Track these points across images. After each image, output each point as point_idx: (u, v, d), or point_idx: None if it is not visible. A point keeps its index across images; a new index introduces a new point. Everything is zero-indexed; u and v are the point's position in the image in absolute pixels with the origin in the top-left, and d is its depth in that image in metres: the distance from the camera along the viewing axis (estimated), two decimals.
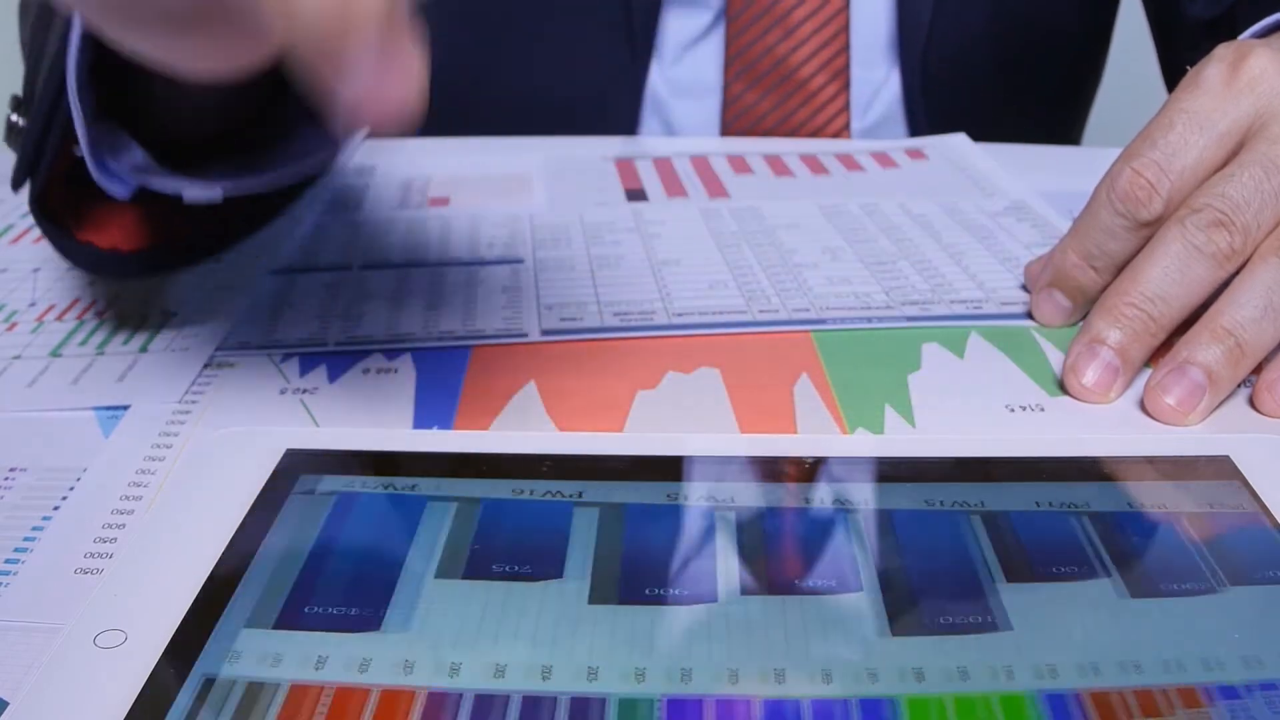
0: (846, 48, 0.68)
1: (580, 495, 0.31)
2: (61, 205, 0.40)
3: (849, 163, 0.61)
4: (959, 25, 0.69)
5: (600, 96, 0.70)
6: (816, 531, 0.30)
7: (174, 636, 0.26)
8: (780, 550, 0.29)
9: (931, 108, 0.69)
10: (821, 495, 0.31)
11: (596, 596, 0.28)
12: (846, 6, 0.67)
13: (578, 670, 0.25)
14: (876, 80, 0.70)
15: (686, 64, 0.70)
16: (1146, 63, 0.76)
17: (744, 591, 0.28)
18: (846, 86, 0.68)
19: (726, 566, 0.29)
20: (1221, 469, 0.32)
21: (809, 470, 0.33)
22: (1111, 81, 0.82)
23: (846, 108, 0.69)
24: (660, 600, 0.27)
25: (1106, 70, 0.81)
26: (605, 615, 0.27)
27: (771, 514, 0.31)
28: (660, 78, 0.70)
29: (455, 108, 0.73)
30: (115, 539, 0.31)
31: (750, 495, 0.32)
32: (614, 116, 0.69)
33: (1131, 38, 0.80)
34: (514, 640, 0.26)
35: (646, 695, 0.25)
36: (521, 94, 0.73)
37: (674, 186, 0.58)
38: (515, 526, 0.30)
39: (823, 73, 0.68)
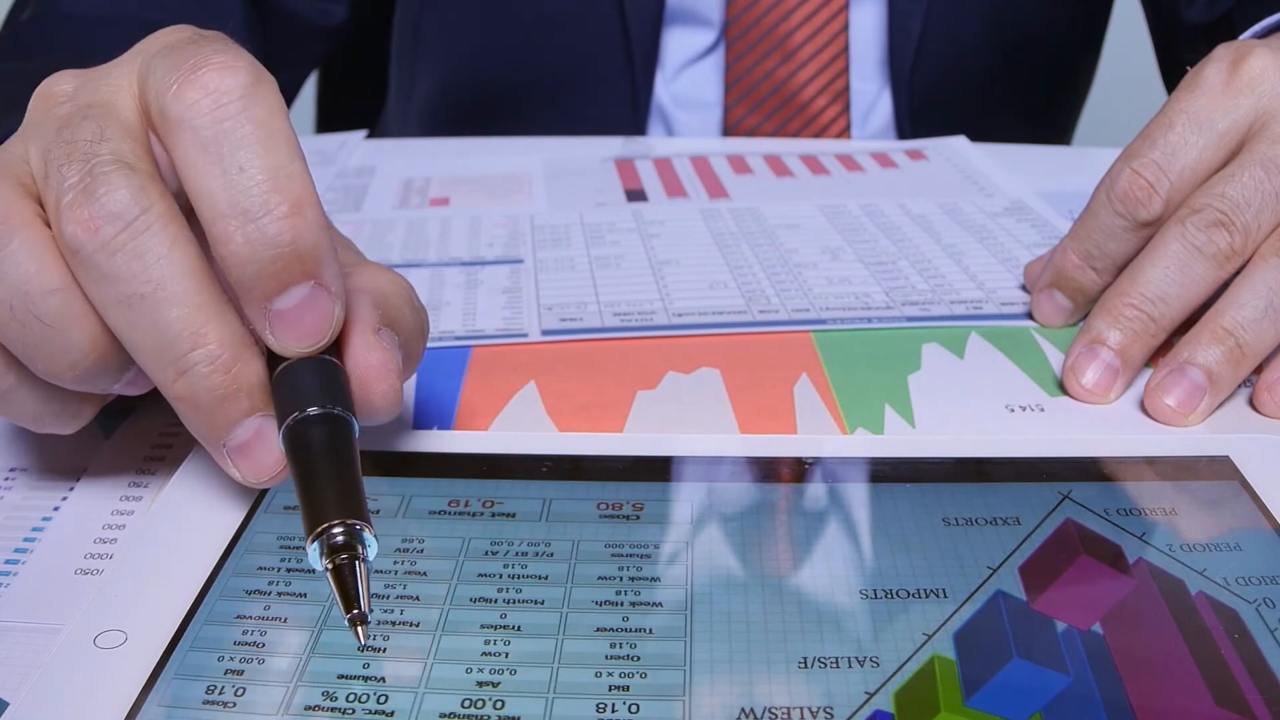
0: (846, 69, 0.68)
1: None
2: None
3: (849, 163, 0.61)
4: (950, 39, 0.69)
5: (606, 108, 0.70)
6: (809, 532, 0.30)
7: (174, 636, 0.26)
8: (762, 549, 0.29)
9: (921, 120, 0.70)
10: (821, 496, 0.31)
11: None
12: (846, 28, 0.67)
13: None
14: (871, 94, 0.70)
15: (685, 81, 0.70)
16: (1136, 63, 0.77)
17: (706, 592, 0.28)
18: (847, 108, 0.68)
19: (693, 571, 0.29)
20: (1221, 469, 0.32)
21: (808, 470, 0.33)
22: (1101, 81, 0.82)
23: (848, 129, 0.69)
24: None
25: (1096, 70, 0.81)
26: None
27: (767, 514, 0.31)
28: (664, 90, 0.71)
29: (461, 116, 0.74)
30: (115, 539, 0.31)
31: (749, 496, 0.32)
32: (619, 128, 0.70)
33: (1121, 37, 0.80)
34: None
35: None
36: (528, 102, 0.73)
37: (674, 186, 0.58)
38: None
39: (824, 94, 0.68)
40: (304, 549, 0.26)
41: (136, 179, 0.28)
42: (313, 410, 0.28)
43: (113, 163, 0.28)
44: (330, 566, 0.25)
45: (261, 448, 0.29)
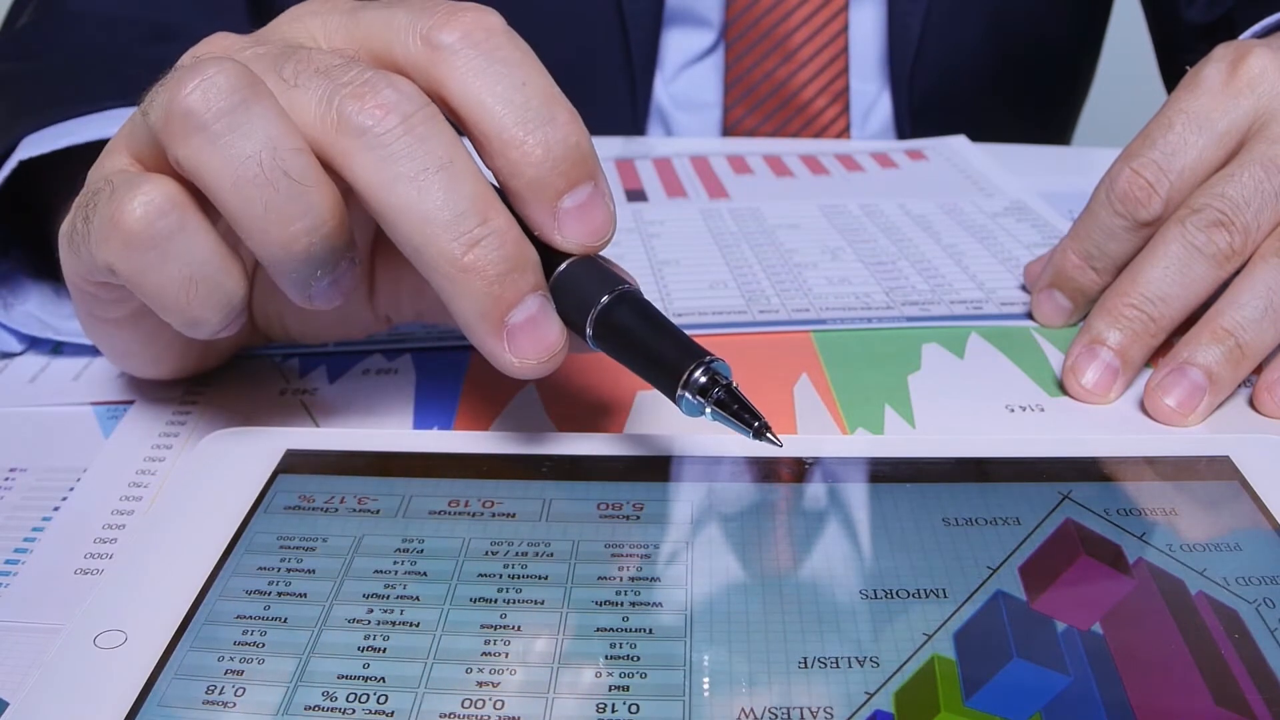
0: (846, 69, 0.68)
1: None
2: None
3: (849, 163, 0.61)
4: (950, 40, 0.69)
5: (605, 109, 0.70)
6: (809, 532, 0.30)
7: (174, 636, 0.26)
8: (767, 550, 0.29)
9: (920, 120, 0.70)
10: (821, 496, 0.31)
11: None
12: (845, 28, 0.67)
13: None
14: (871, 94, 0.70)
15: (684, 82, 0.70)
16: (1136, 63, 0.76)
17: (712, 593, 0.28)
18: (847, 109, 0.68)
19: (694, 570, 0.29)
20: (1221, 469, 0.32)
21: (808, 470, 0.33)
22: (1101, 81, 0.82)
23: (847, 129, 0.69)
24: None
25: (1096, 70, 0.81)
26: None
27: (767, 514, 0.31)
28: (663, 91, 0.71)
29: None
30: (115, 539, 0.31)
31: (749, 496, 0.32)
32: (617, 129, 0.70)
33: (1121, 38, 0.80)
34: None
35: None
36: None
37: (674, 186, 0.58)
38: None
39: (823, 95, 0.68)
40: (302, 548, 0.26)
41: (407, 80, 0.30)
42: (608, 296, 0.30)
43: (376, 70, 0.29)
44: (711, 403, 0.29)
45: (546, 323, 0.30)
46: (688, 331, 0.42)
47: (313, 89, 0.29)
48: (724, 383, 0.30)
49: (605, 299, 0.30)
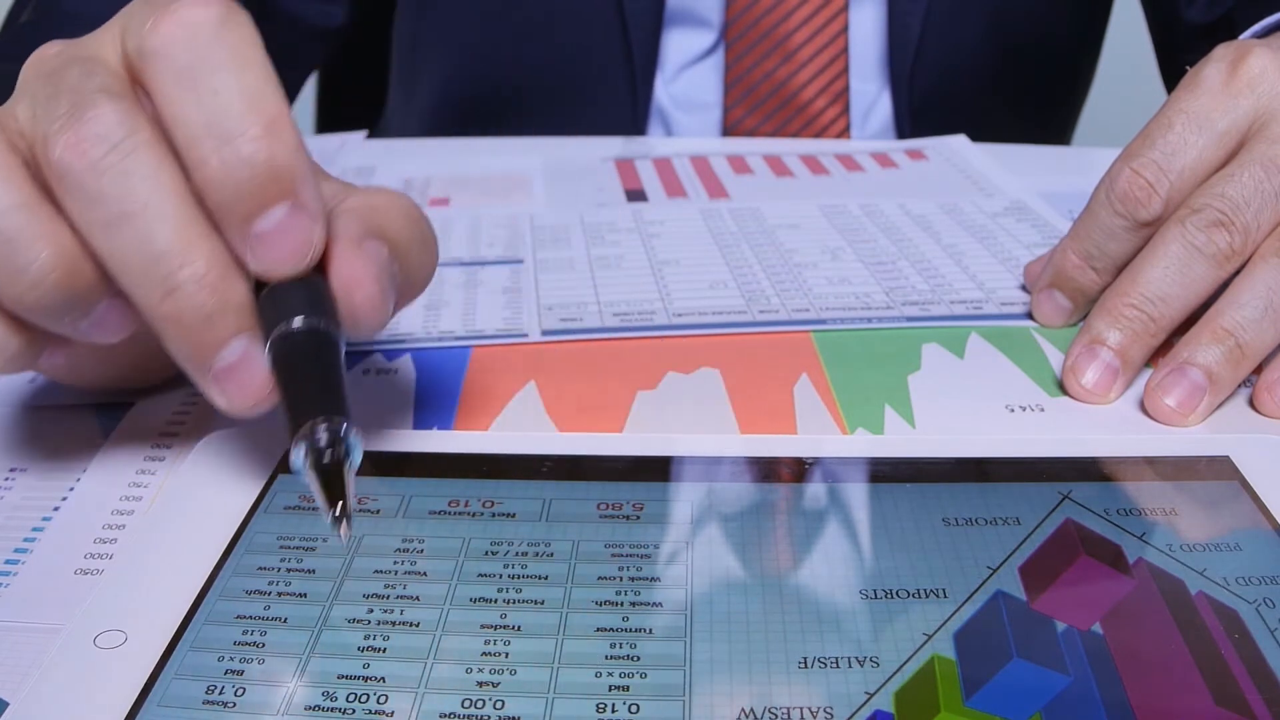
0: (846, 70, 0.68)
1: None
2: None
3: (849, 163, 0.61)
4: (950, 40, 0.69)
5: (606, 110, 0.70)
6: (809, 532, 0.30)
7: (174, 636, 0.26)
8: (768, 551, 0.29)
9: (920, 120, 0.70)
10: (821, 496, 0.31)
11: None
12: (846, 28, 0.67)
13: None
14: (871, 94, 0.70)
15: (684, 82, 0.70)
16: (1136, 63, 0.76)
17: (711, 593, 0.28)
18: (847, 109, 0.69)
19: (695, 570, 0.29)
20: (1221, 469, 0.32)
21: (808, 470, 0.33)
22: (1101, 81, 0.82)
23: (847, 129, 0.69)
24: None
25: (1096, 70, 0.81)
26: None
27: (767, 514, 0.31)
28: (663, 91, 0.71)
29: (462, 117, 0.74)
30: (115, 539, 0.31)
31: (749, 496, 0.32)
32: (618, 129, 0.70)
33: (1121, 38, 0.80)
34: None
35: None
36: (528, 103, 0.73)
37: (674, 187, 0.58)
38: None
39: (823, 95, 0.68)
40: (302, 548, 0.26)
41: (123, 104, 0.28)
42: (296, 323, 0.28)
43: (99, 92, 0.28)
44: (313, 465, 0.26)
45: (248, 370, 0.28)
46: (689, 332, 0.42)
47: (44, 119, 0.28)
48: (338, 453, 0.27)
49: (283, 329, 0.28)
